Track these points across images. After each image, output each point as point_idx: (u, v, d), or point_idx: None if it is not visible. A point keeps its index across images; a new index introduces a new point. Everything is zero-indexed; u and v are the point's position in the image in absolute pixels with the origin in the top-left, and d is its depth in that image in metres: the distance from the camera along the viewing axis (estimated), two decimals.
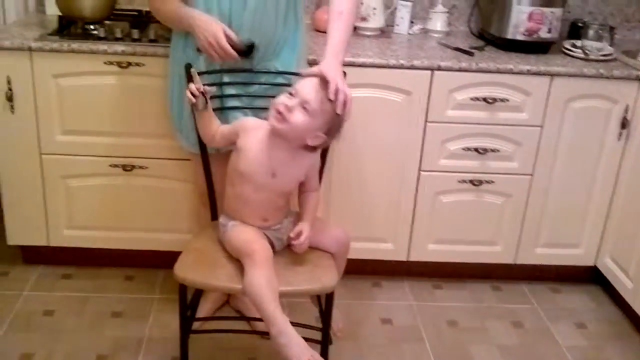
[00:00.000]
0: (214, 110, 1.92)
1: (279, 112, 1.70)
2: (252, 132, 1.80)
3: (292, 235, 1.81)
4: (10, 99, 2.25)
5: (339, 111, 1.69)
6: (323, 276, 1.75)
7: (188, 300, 1.82)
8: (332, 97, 1.67)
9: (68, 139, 2.34)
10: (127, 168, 2.38)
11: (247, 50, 1.90)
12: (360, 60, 2.30)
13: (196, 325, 2.12)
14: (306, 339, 1.95)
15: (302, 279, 1.74)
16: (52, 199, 2.42)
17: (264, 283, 1.66)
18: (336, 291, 2.39)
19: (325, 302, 1.79)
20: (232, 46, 1.85)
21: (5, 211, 2.44)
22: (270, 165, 1.78)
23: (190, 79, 1.84)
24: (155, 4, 2.00)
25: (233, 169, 1.83)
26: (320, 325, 1.89)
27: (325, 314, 1.78)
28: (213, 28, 1.83)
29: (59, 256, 2.57)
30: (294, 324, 2.02)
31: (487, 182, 2.49)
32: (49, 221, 2.46)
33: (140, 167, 2.38)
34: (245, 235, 1.80)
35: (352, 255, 2.47)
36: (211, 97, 1.86)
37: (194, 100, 1.78)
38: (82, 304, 2.40)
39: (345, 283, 2.53)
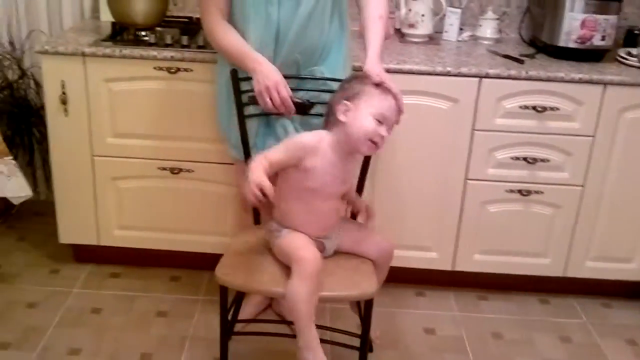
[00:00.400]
0: (259, 116, 1.94)
1: (375, 143, 1.75)
2: (317, 151, 1.77)
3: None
4: (64, 102, 2.33)
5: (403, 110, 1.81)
6: (362, 282, 1.74)
7: (229, 302, 1.84)
8: (396, 97, 1.78)
9: (118, 142, 2.40)
10: (175, 171, 2.43)
11: (304, 105, 1.91)
12: (407, 67, 2.29)
13: (238, 327, 2.15)
14: (345, 346, 1.97)
15: (342, 285, 1.74)
16: (103, 200, 2.49)
17: (305, 296, 1.67)
18: (379, 299, 2.39)
19: (364, 309, 1.77)
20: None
21: (57, 211, 2.52)
22: (341, 175, 1.81)
23: (237, 83, 1.87)
24: (211, 26, 1.97)
25: (300, 186, 1.80)
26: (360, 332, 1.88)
27: (364, 321, 1.77)
28: (276, 77, 1.86)
29: (108, 255, 2.64)
30: (333, 329, 2.04)
31: (536, 192, 2.44)
32: (100, 221, 2.53)
33: (187, 171, 2.43)
34: (297, 242, 1.79)
35: (396, 263, 2.45)
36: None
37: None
38: (129, 303, 2.45)
39: (388, 291, 2.52)
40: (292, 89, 1.95)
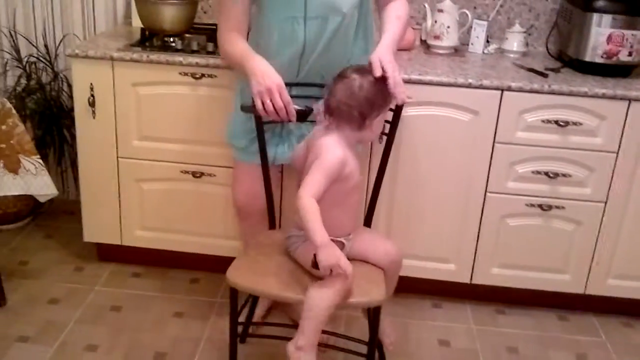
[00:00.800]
0: (282, 122, 1.96)
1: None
2: (347, 157, 1.80)
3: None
4: (92, 104, 2.40)
5: (398, 102, 1.84)
6: (371, 290, 1.75)
7: (245, 305, 1.87)
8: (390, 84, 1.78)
9: (143, 144, 2.46)
10: (197, 175, 2.47)
11: (303, 114, 1.88)
12: (428, 78, 2.29)
13: (252, 330, 2.18)
14: (356, 353, 1.97)
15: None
16: (127, 201, 2.55)
17: (331, 305, 1.70)
18: (395, 309, 2.40)
19: (372, 316, 1.78)
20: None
21: (83, 210, 2.58)
22: (358, 160, 1.87)
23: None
24: (221, 40, 1.98)
25: (342, 192, 1.81)
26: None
27: (372, 328, 1.78)
28: (278, 79, 1.80)
29: (130, 255, 2.69)
30: (346, 337, 2.05)
31: (557, 207, 2.41)
32: (123, 221, 2.59)
33: (209, 175, 2.47)
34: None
35: (414, 273, 2.48)
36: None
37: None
38: (148, 303, 2.50)
39: (404, 302, 2.53)
40: (317, 98, 1.93)
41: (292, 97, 1.92)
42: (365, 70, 1.79)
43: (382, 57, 1.79)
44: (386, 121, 1.95)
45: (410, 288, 2.54)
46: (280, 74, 1.84)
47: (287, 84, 1.87)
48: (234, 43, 1.93)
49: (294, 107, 1.82)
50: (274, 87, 1.78)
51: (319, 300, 1.69)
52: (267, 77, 1.79)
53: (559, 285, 2.54)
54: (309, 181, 1.72)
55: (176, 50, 2.40)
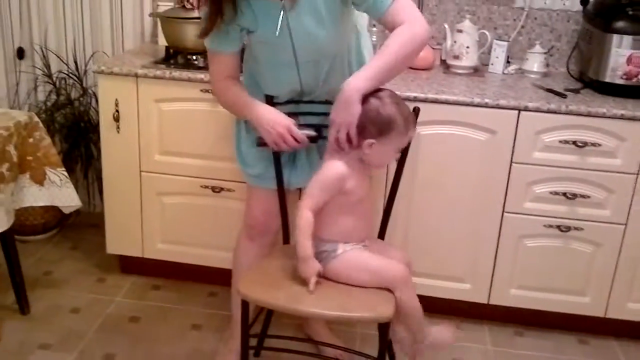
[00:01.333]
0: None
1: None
2: (349, 174, 1.81)
3: None
4: (117, 119, 2.47)
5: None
6: (379, 305, 1.76)
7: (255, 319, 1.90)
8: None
9: (165, 159, 2.52)
10: (216, 190, 2.52)
11: (316, 136, 1.91)
12: (444, 97, 2.31)
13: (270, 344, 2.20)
14: None
15: (357, 305, 1.76)
16: (148, 214, 2.61)
17: (417, 299, 1.87)
18: None
19: (379, 333, 1.79)
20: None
21: (106, 222, 2.65)
22: (366, 175, 1.89)
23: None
24: (216, 89, 1.97)
25: (345, 203, 1.84)
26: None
27: (381, 344, 1.78)
28: (284, 121, 1.83)
29: (151, 268, 2.75)
30: (355, 352, 2.06)
31: (576, 228, 2.40)
32: (145, 234, 2.64)
33: (228, 190, 2.52)
34: (376, 260, 1.86)
35: (430, 293, 2.48)
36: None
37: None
38: (166, 314, 2.55)
39: None
40: (325, 114, 1.92)
41: (301, 113, 1.96)
42: (375, 91, 1.78)
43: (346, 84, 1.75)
44: None
45: (427, 307, 2.52)
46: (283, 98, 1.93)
47: (293, 101, 1.94)
48: (231, 92, 1.92)
49: (305, 134, 1.86)
50: (284, 132, 1.83)
51: (413, 306, 1.86)
52: (275, 124, 1.83)
53: (578, 308, 2.51)
54: (308, 194, 1.80)
55: (198, 68, 2.46)
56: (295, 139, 1.84)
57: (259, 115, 1.86)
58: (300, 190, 2.24)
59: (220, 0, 1.73)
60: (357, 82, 1.73)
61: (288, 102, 1.96)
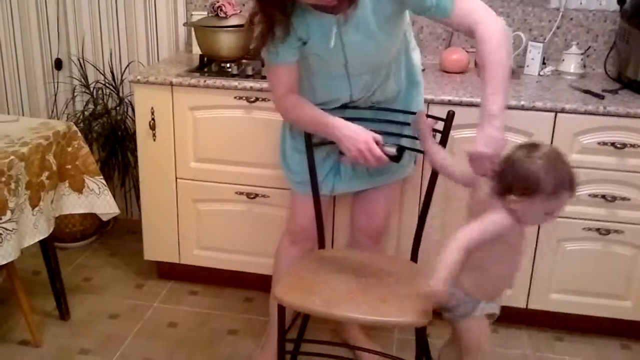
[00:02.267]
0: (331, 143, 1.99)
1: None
2: (513, 228, 1.69)
3: None
4: (153, 128, 2.51)
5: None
6: (415, 310, 1.75)
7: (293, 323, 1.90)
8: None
9: (200, 166, 2.55)
10: (251, 196, 2.54)
11: (397, 155, 1.85)
12: (479, 100, 2.28)
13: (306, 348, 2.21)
14: None
15: (393, 310, 1.75)
16: (184, 221, 2.64)
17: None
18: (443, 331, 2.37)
19: (416, 338, 1.78)
20: (383, 152, 1.82)
21: (143, 229, 2.69)
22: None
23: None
24: (284, 106, 1.93)
25: (506, 254, 1.74)
26: None
27: (418, 349, 1.77)
28: (364, 137, 1.79)
29: (188, 274, 2.78)
30: (398, 358, 2.03)
31: (616, 231, 2.35)
32: (181, 240, 2.67)
33: (263, 196, 2.53)
34: (486, 331, 1.84)
35: None
36: None
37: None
38: (203, 320, 2.57)
39: None
40: (371, 120, 1.96)
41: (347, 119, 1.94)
42: (531, 145, 1.65)
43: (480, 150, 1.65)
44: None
45: None
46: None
47: (340, 107, 1.95)
48: (304, 109, 1.89)
49: (387, 151, 1.81)
50: (364, 148, 1.78)
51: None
52: (355, 142, 1.79)
53: (620, 312, 2.46)
54: (467, 231, 1.65)
55: (232, 76, 2.49)
56: (377, 159, 1.79)
57: (337, 133, 1.82)
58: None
59: (272, 21, 1.71)
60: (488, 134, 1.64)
61: (334, 108, 1.96)
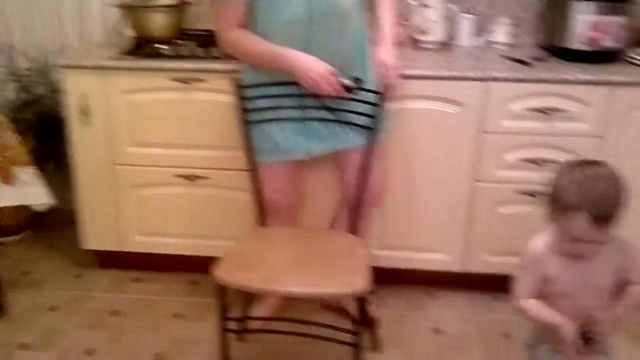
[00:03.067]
0: (263, 122, 2.01)
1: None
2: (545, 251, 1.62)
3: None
4: (86, 113, 2.45)
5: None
6: (354, 279, 1.77)
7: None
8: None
9: (138, 151, 2.50)
10: (191, 178, 2.51)
11: (353, 87, 1.91)
12: (412, 72, 2.32)
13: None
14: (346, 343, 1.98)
15: (332, 281, 1.77)
16: (124, 207, 2.59)
17: None
18: (388, 300, 2.42)
19: (357, 306, 1.80)
20: (339, 82, 1.88)
21: (80, 218, 2.63)
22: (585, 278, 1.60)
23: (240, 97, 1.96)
24: (230, 40, 1.94)
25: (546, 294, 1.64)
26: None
27: (359, 320, 1.80)
28: (318, 67, 1.85)
29: (130, 261, 2.74)
30: (336, 328, 2.06)
31: None
32: (121, 227, 2.63)
33: (203, 178, 2.51)
34: None
35: (406, 265, 2.51)
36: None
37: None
38: (148, 306, 2.54)
39: (398, 292, 2.57)
40: (302, 95, 1.98)
41: (280, 96, 1.98)
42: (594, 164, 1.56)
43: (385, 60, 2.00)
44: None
45: (404, 279, 2.58)
46: None
47: (268, 84, 1.96)
48: (252, 40, 1.89)
49: (342, 81, 1.88)
50: (319, 77, 1.84)
51: None
52: (311, 71, 1.84)
53: None
54: (516, 282, 1.60)
55: (167, 57, 2.44)
56: (336, 88, 1.86)
57: (292, 64, 1.85)
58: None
59: None
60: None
61: None
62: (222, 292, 1.83)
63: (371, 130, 2.04)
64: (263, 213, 2.14)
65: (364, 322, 1.84)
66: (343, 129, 2.09)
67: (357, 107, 2.02)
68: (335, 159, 2.26)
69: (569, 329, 1.52)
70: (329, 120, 2.06)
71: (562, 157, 2.37)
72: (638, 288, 1.57)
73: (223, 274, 1.81)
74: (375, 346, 2.27)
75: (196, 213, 2.57)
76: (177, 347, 2.30)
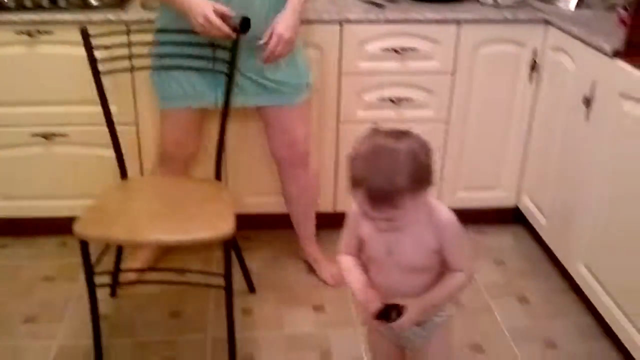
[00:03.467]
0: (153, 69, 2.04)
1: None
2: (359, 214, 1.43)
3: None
4: None
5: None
6: (219, 223, 1.81)
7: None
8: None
9: None
10: (48, 137, 2.42)
11: (241, 26, 1.89)
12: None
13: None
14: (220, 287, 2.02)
15: (197, 227, 1.80)
16: None
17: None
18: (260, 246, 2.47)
19: (224, 250, 1.84)
20: (227, 23, 1.87)
21: None
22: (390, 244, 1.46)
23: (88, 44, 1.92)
24: None
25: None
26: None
27: (226, 261, 1.84)
28: (201, 9, 1.85)
29: None
30: (207, 272, 2.10)
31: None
32: None
33: (61, 135, 2.43)
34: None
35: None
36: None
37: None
38: (16, 272, 2.46)
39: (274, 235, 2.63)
40: (201, 44, 1.98)
41: (169, 43, 2.00)
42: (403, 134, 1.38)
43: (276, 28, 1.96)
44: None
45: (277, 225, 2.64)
46: None
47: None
48: None
49: (229, 22, 1.88)
50: (202, 21, 1.85)
51: None
52: (195, 14, 1.86)
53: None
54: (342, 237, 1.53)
55: (8, 9, 2.30)
56: (219, 27, 1.86)
57: (187, 4, 1.87)
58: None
59: None
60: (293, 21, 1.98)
61: None
62: (85, 248, 1.81)
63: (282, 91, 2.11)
64: (125, 167, 2.11)
65: (241, 266, 1.88)
66: (260, 87, 2.12)
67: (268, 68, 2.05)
68: (260, 115, 2.27)
69: (370, 303, 1.43)
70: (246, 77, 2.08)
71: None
72: (453, 277, 1.44)
73: (83, 229, 1.78)
74: (251, 288, 2.34)
75: (58, 173, 2.50)
76: (49, 310, 2.26)
